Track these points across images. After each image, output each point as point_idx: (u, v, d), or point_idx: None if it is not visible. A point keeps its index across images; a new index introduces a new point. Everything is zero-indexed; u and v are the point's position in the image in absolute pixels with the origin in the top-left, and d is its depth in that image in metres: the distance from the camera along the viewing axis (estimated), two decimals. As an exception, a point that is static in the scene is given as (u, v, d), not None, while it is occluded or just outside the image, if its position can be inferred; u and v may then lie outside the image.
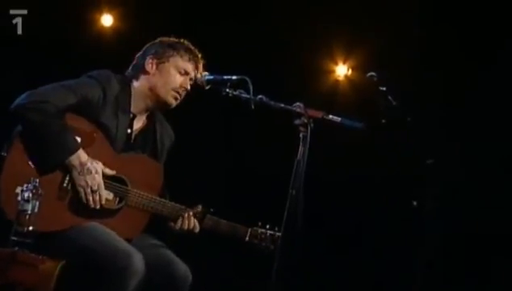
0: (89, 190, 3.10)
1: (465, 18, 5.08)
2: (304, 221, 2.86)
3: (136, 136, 3.36)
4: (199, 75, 3.33)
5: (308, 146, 2.91)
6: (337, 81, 5.63)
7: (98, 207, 3.12)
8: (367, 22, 5.28)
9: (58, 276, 2.88)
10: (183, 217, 3.29)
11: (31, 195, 2.79)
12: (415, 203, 4.17)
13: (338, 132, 3.10)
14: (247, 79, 3.07)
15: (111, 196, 3.20)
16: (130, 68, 3.41)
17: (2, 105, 3.16)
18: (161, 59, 3.35)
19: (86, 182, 3.09)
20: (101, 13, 5.51)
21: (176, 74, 3.34)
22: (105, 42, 5.48)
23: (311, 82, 5.49)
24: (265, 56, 5.27)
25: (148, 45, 3.42)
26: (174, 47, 3.36)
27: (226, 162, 5.49)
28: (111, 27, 5.53)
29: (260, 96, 3.08)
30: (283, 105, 3.05)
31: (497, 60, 4.97)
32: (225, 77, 3.16)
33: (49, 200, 3.00)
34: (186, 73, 3.35)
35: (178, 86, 3.34)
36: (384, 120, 3.08)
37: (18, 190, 2.83)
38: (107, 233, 3.09)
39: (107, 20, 5.52)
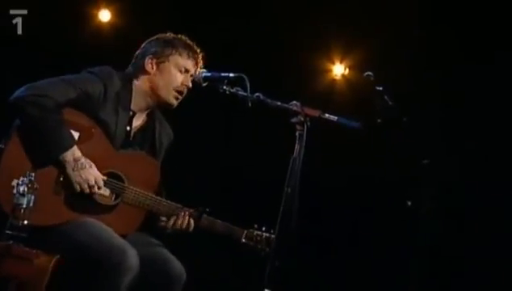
0: (86, 185, 3.10)
1: (463, 18, 5.09)
2: (299, 220, 2.86)
3: (135, 133, 3.36)
4: (198, 70, 3.33)
5: (304, 145, 2.92)
6: (334, 80, 5.64)
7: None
8: (365, 21, 5.29)
9: (52, 270, 2.88)
10: (178, 216, 3.29)
11: (26, 189, 2.78)
12: (409, 203, 4.18)
13: (334, 132, 3.10)
14: (244, 77, 3.07)
15: (107, 192, 3.20)
16: (130, 66, 3.40)
17: (3, 105, 3.15)
18: (160, 58, 3.33)
19: (82, 177, 3.09)
20: (98, 8, 5.51)
21: (177, 73, 3.34)
22: (103, 38, 5.47)
23: (308, 81, 5.49)
24: (262, 55, 5.28)
25: (146, 43, 3.40)
26: (172, 44, 3.35)
27: (222, 160, 5.49)
28: (108, 23, 5.53)
29: (257, 94, 3.07)
30: (279, 103, 3.05)
31: (494, 61, 4.98)
32: (223, 74, 3.16)
33: (45, 194, 3.00)
34: (187, 71, 3.34)
35: (179, 84, 3.33)
36: (379, 120, 3.08)
37: (14, 183, 2.83)
38: (104, 229, 3.08)
39: (104, 16, 5.51)
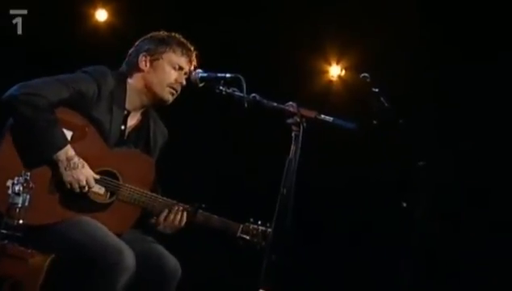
0: (76, 185, 3.10)
1: (459, 19, 5.10)
2: (294, 220, 2.86)
3: (129, 133, 3.35)
4: (193, 68, 3.33)
5: (300, 145, 2.92)
6: (330, 81, 5.64)
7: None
8: (362, 23, 5.29)
9: (47, 270, 2.88)
10: (171, 211, 3.28)
11: (21, 188, 2.79)
12: (405, 204, 4.18)
13: (330, 133, 3.11)
14: (241, 77, 3.07)
15: (102, 190, 3.20)
16: (124, 64, 3.40)
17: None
18: (154, 56, 3.34)
19: (73, 176, 3.09)
20: (95, 8, 5.50)
21: (171, 70, 3.34)
22: (100, 37, 5.47)
23: (304, 82, 5.49)
24: (259, 56, 5.28)
25: (139, 41, 3.40)
26: (166, 42, 3.35)
27: (218, 162, 5.49)
28: (105, 22, 5.52)
29: (253, 95, 3.08)
30: (275, 104, 3.05)
31: (491, 61, 4.99)
32: (219, 74, 3.16)
33: (40, 194, 2.99)
34: (181, 68, 3.34)
35: (173, 81, 3.34)
36: (376, 121, 3.09)
37: (9, 183, 2.82)
38: (99, 228, 3.08)
39: (101, 15, 5.51)
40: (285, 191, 2.87)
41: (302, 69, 5.51)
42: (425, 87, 5.19)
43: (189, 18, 5.23)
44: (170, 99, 3.36)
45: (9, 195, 2.80)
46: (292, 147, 2.93)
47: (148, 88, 3.34)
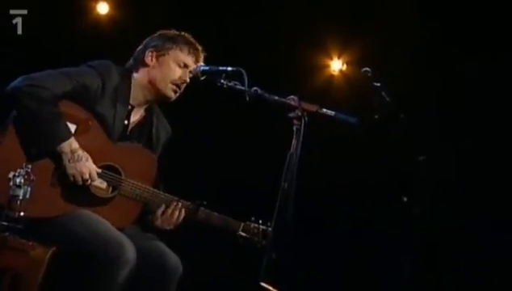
0: (79, 178, 3.10)
1: (461, 17, 5.09)
2: (295, 215, 2.86)
3: (132, 128, 3.36)
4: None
5: (301, 139, 2.92)
6: (332, 76, 5.64)
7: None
8: (363, 17, 5.29)
9: (48, 262, 2.88)
10: (169, 206, 3.28)
11: (22, 180, 2.79)
12: (405, 199, 4.18)
13: (332, 127, 3.10)
14: (242, 71, 3.06)
15: (104, 184, 3.20)
16: (130, 60, 3.41)
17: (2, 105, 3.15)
18: (160, 52, 3.34)
19: (76, 169, 3.08)
20: (97, 1, 5.50)
21: (175, 67, 3.34)
22: (101, 30, 5.47)
23: (306, 77, 5.49)
24: (260, 50, 5.27)
25: (148, 39, 3.41)
26: (174, 40, 3.36)
27: (219, 155, 5.48)
28: (106, 15, 5.52)
29: (255, 88, 3.07)
30: (277, 97, 3.04)
31: (492, 60, 4.98)
32: (220, 68, 3.15)
33: (42, 186, 3.00)
34: (186, 66, 3.34)
35: (177, 78, 3.33)
36: (377, 116, 3.08)
37: (11, 175, 2.83)
38: (101, 222, 3.08)
39: (102, 8, 5.51)
40: (286, 185, 2.87)
41: (303, 63, 5.51)
42: (427, 82, 5.19)
43: (190, 11, 5.23)
44: (173, 96, 3.36)
45: (10, 187, 2.80)
46: (294, 141, 2.92)
47: (152, 84, 3.34)
